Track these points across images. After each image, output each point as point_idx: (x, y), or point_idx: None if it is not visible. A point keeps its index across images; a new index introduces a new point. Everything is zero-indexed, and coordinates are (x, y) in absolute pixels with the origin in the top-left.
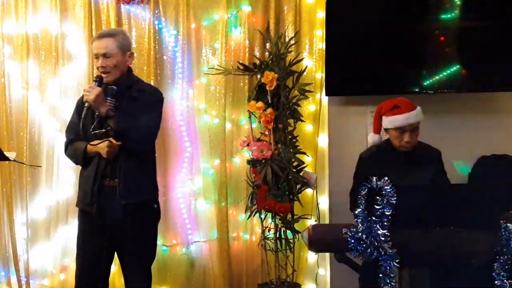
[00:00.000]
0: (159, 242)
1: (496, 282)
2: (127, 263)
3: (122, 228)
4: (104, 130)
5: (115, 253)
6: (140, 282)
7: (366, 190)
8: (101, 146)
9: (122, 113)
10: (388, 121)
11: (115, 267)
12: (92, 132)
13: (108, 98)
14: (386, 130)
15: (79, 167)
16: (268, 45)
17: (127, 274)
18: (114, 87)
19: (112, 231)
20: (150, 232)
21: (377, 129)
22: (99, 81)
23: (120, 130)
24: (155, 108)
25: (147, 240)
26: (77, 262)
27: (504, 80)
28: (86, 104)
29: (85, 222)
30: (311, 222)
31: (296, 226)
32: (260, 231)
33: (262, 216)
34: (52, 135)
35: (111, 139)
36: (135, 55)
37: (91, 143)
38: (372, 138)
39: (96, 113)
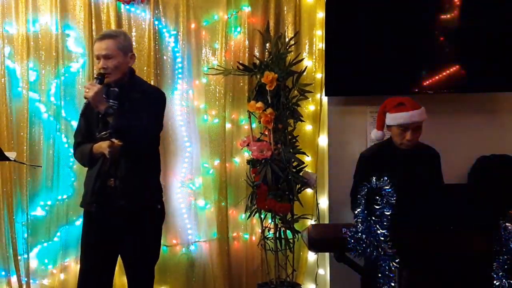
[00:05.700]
0: None
1: (495, 282)
2: (130, 263)
3: (126, 228)
4: (108, 132)
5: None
6: (143, 283)
7: (366, 190)
8: (103, 147)
9: (121, 111)
10: (392, 118)
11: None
12: (98, 135)
13: (111, 100)
14: (389, 127)
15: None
16: (268, 45)
17: (130, 274)
18: (116, 89)
19: (115, 231)
20: (153, 232)
21: (380, 125)
22: (100, 78)
23: (118, 127)
24: (156, 108)
25: (151, 241)
26: (81, 262)
27: (504, 80)
28: (85, 101)
29: (89, 222)
30: (311, 222)
31: (296, 226)
32: (260, 231)
33: (262, 216)
34: (52, 135)
35: (113, 139)
36: (136, 55)
37: (95, 145)
38: (375, 135)
39: (100, 115)
